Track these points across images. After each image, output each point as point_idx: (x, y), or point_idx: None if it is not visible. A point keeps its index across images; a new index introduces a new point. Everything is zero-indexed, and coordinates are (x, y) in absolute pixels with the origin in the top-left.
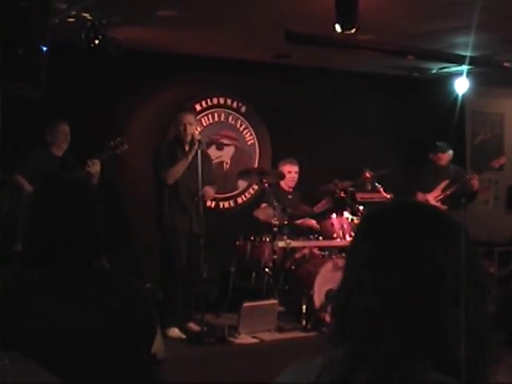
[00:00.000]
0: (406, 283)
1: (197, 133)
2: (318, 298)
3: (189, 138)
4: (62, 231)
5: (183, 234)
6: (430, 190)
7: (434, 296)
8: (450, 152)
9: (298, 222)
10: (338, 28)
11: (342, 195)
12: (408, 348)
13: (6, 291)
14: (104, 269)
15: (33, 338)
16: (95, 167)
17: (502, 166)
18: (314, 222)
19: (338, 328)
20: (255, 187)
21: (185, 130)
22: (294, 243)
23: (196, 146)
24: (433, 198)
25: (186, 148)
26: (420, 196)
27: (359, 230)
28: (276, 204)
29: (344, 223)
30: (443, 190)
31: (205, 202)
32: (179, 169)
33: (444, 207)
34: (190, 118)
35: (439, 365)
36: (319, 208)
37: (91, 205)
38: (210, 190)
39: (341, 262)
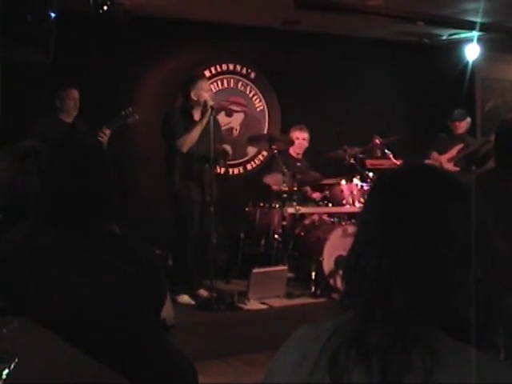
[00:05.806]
0: (415, 241)
1: (209, 99)
2: (327, 264)
3: (203, 105)
4: (76, 194)
5: (196, 201)
6: (444, 151)
7: (443, 255)
8: (468, 120)
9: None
10: None
11: (352, 162)
12: (417, 308)
13: (18, 253)
14: (115, 233)
15: (43, 301)
16: (105, 136)
17: None
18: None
19: (349, 291)
20: (264, 154)
21: (201, 96)
22: (304, 209)
23: (209, 113)
24: (446, 158)
25: (198, 114)
26: (434, 156)
27: (371, 192)
28: (285, 170)
29: (353, 190)
30: (457, 153)
31: (219, 166)
32: (194, 136)
33: (456, 169)
34: (205, 84)
35: (445, 326)
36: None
37: (105, 168)
38: (227, 147)
39: (350, 229)
